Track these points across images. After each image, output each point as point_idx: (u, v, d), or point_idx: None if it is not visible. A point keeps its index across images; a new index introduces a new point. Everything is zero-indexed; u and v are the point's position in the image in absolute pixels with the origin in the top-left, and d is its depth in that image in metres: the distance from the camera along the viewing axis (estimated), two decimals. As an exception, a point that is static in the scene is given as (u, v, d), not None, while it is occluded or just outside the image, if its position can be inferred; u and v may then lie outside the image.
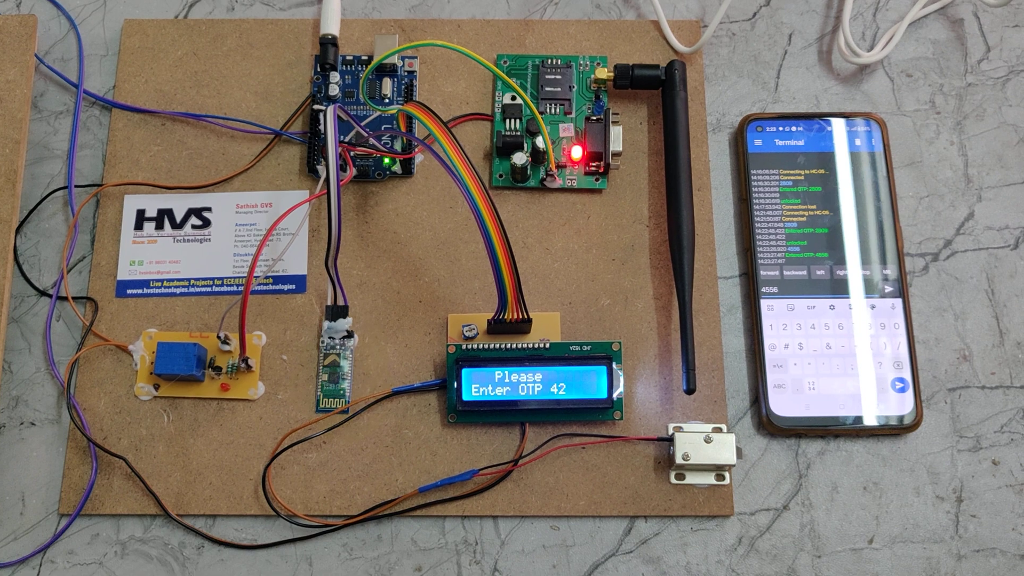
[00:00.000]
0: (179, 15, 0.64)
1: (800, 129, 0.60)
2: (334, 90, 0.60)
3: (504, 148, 0.59)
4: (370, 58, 0.62)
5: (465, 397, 0.54)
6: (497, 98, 0.61)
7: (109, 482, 0.54)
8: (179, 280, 0.58)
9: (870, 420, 0.55)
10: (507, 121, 0.60)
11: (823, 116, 0.60)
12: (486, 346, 0.54)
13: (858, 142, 0.60)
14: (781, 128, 0.60)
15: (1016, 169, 0.60)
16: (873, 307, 0.57)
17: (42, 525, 0.54)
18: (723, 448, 0.53)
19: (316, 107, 0.60)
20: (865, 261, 0.57)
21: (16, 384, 0.57)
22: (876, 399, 0.55)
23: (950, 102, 0.62)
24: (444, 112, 0.61)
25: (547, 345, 0.54)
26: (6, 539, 0.54)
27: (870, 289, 0.57)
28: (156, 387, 0.56)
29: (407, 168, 0.60)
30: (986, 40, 0.63)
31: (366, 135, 0.57)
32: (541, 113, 0.60)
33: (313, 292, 0.58)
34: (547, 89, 0.61)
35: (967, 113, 0.61)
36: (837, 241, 0.58)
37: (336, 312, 0.56)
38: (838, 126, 0.60)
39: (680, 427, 0.54)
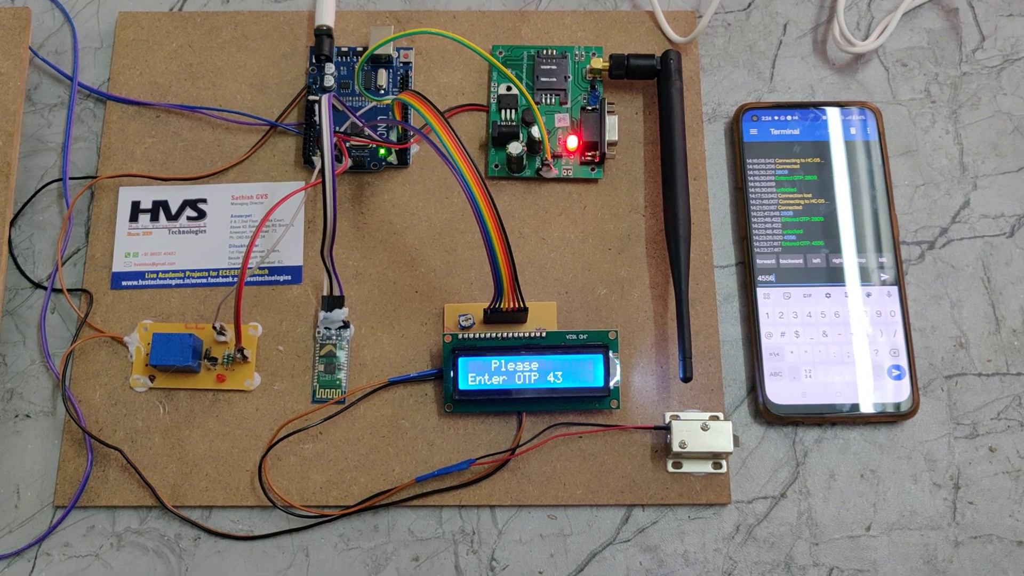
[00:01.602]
0: (174, 7, 0.64)
1: (795, 118, 0.60)
2: (329, 81, 0.60)
3: (500, 138, 0.59)
4: (365, 49, 0.62)
5: (462, 386, 0.54)
6: (493, 88, 0.61)
7: (105, 474, 0.54)
8: (174, 272, 0.58)
9: (867, 408, 0.55)
10: (503, 111, 0.60)
11: (818, 105, 0.60)
12: (483, 335, 0.54)
13: (853, 131, 0.60)
14: (777, 117, 0.60)
15: (1011, 157, 0.60)
16: (869, 295, 0.57)
17: (37, 517, 0.54)
18: (720, 436, 0.53)
19: (311, 98, 0.60)
20: (861, 249, 0.57)
21: (11, 376, 0.56)
22: (873, 387, 0.55)
23: (945, 91, 0.62)
24: (440, 103, 0.61)
25: (543, 334, 0.54)
26: (1, 532, 0.54)
27: (866, 277, 0.57)
28: (152, 378, 0.56)
29: (403, 158, 0.60)
30: (980, 29, 0.63)
31: (361, 124, 0.57)
32: (537, 103, 0.60)
33: (309, 283, 0.58)
34: (542, 79, 0.60)
35: (962, 102, 0.61)
36: (833, 229, 0.58)
37: (332, 302, 0.56)
38: (833, 115, 0.60)
39: (677, 415, 0.54)
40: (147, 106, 0.61)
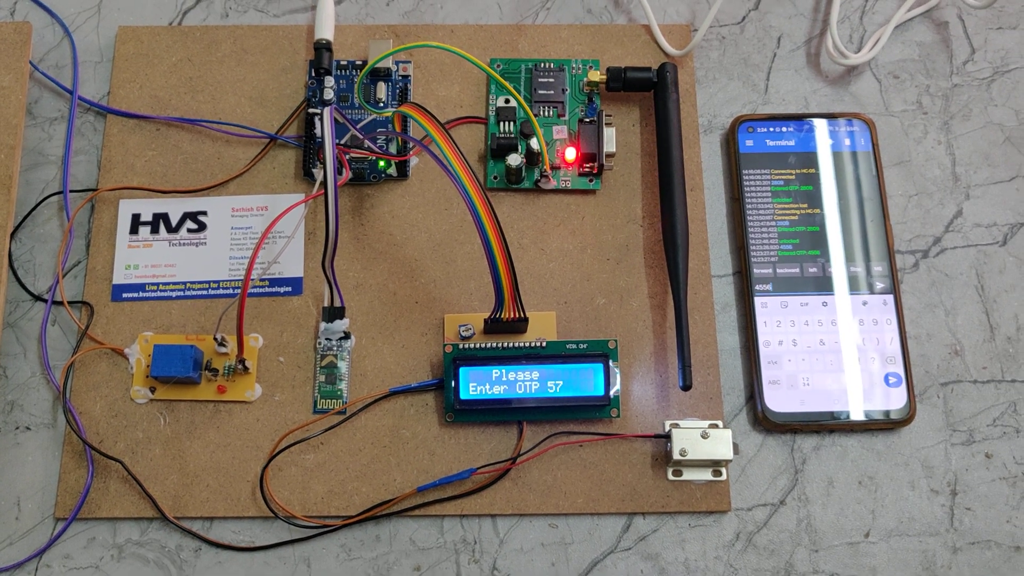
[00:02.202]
0: (173, 22, 0.65)
1: (790, 130, 0.61)
2: (329, 95, 0.61)
3: (498, 150, 0.60)
4: (364, 63, 0.62)
5: (463, 396, 0.54)
6: (491, 101, 0.61)
7: (105, 485, 0.54)
8: (175, 284, 0.58)
9: (864, 415, 0.55)
10: (501, 124, 0.60)
11: (813, 117, 0.61)
12: (483, 345, 0.55)
13: (847, 142, 0.61)
14: (772, 129, 0.61)
15: (1003, 167, 0.61)
16: (865, 303, 0.57)
17: (38, 529, 0.54)
18: (720, 444, 0.53)
19: (311, 111, 0.61)
20: (856, 258, 0.58)
21: (11, 389, 0.56)
22: (870, 394, 0.55)
23: (937, 102, 0.62)
24: (438, 116, 0.60)
25: (544, 344, 0.55)
26: (2, 544, 0.54)
27: (862, 286, 0.58)
28: (152, 390, 0.56)
29: (402, 171, 0.60)
30: (971, 42, 0.64)
31: (361, 137, 0.57)
32: (535, 116, 0.60)
33: (309, 294, 0.58)
34: (540, 92, 0.61)
35: (953, 113, 0.62)
36: (829, 239, 0.58)
37: (333, 313, 0.56)
38: (827, 127, 0.61)
39: (677, 424, 0.55)
40: (147, 119, 0.62)
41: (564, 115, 0.61)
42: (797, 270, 0.58)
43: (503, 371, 0.54)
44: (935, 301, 0.58)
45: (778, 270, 0.58)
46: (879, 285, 0.58)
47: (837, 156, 0.60)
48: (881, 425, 0.55)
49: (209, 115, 0.62)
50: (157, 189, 0.60)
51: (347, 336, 0.57)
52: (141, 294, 0.58)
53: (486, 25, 0.64)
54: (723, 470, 0.54)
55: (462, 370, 0.54)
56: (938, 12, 0.65)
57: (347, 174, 0.57)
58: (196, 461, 0.55)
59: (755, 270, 0.58)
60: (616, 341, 0.55)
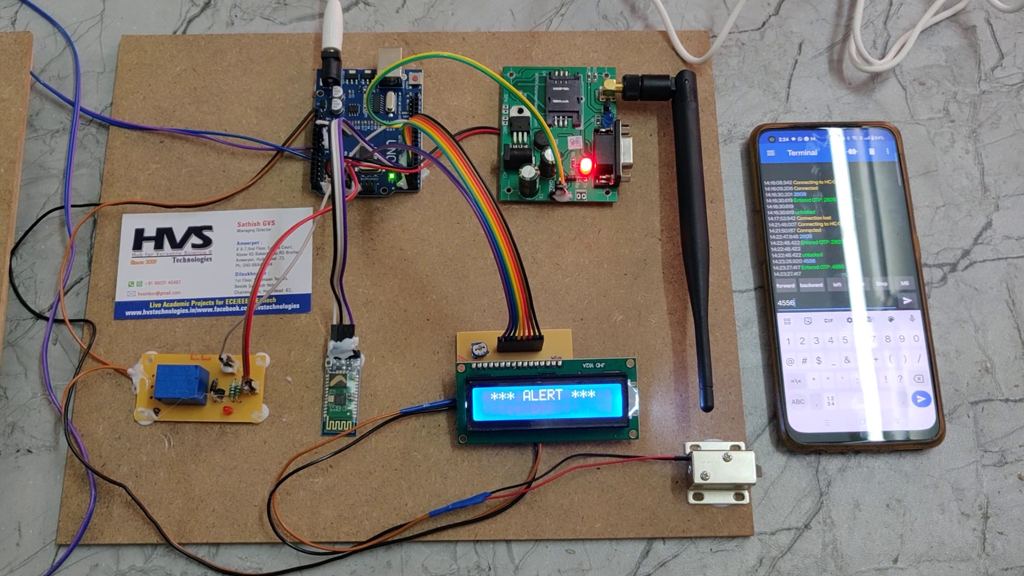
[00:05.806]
0: (177, 30, 0.63)
1: (813, 139, 0.59)
2: (337, 105, 0.59)
3: (512, 162, 0.58)
4: (373, 72, 0.61)
5: (476, 417, 0.52)
6: (504, 111, 0.60)
7: (108, 510, 0.53)
8: (179, 301, 0.57)
9: (891, 435, 0.53)
10: (514, 134, 0.59)
11: (836, 125, 0.59)
12: (497, 364, 0.53)
13: (872, 152, 0.59)
14: (794, 138, 0.59)
15: (1033, 177, 0.59)
16: (891, 319, 0.55)
17: (39, 556, 0.52)
18: (743, 466, 0.51)
19: (319, 122, 0.59)
20: (882, 273, 0.56)
21: (12, 410, 0.55)
22: (897, 413, 0.54)
23: (964, 110, 0.60)
24: (450, 126, 0.59)
25: (559, 363, 0.53)
26: (2, 571, 0.52)
27: (888, 301, 0.56)
28: (156, 411, 0.54)
29: (413, 183, 0.58)
30: (999, 47, 0.62)
31: (371, 149, 0.56)
32: (549, 126, 0.59)
33: (318, 311, 0.56)
34: (555, 101, 0.59)
35: (982, 121, 0.60)
36: (853, 253, 0.56)
37: (342, 331, 0.55)
38: (852, 136, 0.59)
39: (698, 445, 0.53)
40: (151, 131, 0.60)
41: (579, 125, 0.59)
42: (821, 285, 0.56)
43: (518, 391, 0.52)
44: (964, 316, 0.56)
45: (801, 285, 0.56)
46: (906, 300, 0.56)
47: (861, 166, 0.58)
48: (909, 446, 0.53)
49: (214, 126, 0.60)
50: (161, 203, 0.58)
51: (356, 355, 0.55)
52: (145, 312, 0.56)
53: (498, 32, 0.62)
54: (745, 493, 0.53)
55: (475, 390, 0.52)
56: (965, 16, 0.63)
57: (356, 188, 0.56)
58: (201, 485, 0.53)
59: (777, 285, 0.56)
60: (634, 360, 0.53)
